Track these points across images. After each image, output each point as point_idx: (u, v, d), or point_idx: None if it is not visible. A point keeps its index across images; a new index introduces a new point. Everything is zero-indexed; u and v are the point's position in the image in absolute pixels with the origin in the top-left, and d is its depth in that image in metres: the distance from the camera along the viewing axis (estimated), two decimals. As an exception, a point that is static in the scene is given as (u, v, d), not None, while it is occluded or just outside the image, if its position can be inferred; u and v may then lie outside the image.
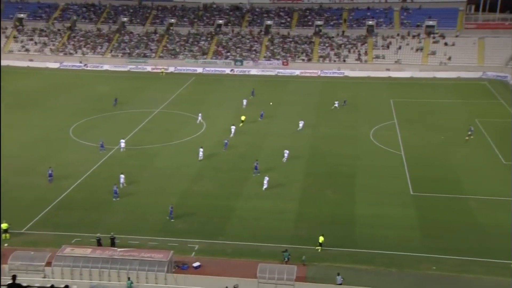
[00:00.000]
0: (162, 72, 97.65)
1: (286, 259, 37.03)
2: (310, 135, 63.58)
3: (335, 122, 68.31)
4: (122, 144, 58.41)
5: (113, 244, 39.13)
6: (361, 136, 63.20)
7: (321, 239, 38.73)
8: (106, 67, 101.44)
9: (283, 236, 40.93)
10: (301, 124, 64.91)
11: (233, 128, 62.74)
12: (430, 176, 51.61)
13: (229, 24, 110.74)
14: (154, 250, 37.62)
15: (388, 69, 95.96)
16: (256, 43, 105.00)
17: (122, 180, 49.25)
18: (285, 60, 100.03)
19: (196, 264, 37.15)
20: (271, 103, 75.55)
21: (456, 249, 38.72)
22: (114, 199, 46.72)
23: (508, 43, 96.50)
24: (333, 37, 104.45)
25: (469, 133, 61.68)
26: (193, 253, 38.99)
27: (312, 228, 41.94)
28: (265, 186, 48.46)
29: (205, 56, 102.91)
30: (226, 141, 59.28)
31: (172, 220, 43.02)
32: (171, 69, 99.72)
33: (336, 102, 74.00)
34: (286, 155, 55.13)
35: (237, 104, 76.15)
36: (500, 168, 53.27)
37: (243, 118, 66.64)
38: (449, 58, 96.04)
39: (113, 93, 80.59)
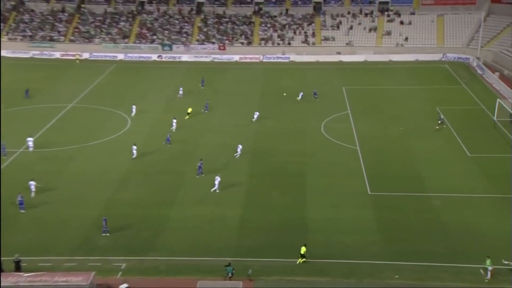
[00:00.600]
0: (77, 59, 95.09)
1: (229, 274, 36.97)
2: (254, 130, 63.91)
3: (281, 114, 68.96)
4: (30, 143, 56.92)
5: (18, 268, 37.57)
6: (311, 129, 64.16)
7: (303, 249, 38.98)
8: (2, 52, 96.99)
9: (225, 247, 40.88)
10: (256, 115, 66.25)
11: (174, 121, 63.12)
12: (390, 172, 53.16)
13: (154, 2, 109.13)
14: (71, 272, 36.48)
15: (339, 53, 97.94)
16: (186, 24, 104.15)
17: (33, 188, 47.73)
18: (221, 44, 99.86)
19: (123, 286, 36.34)
20: (284, 94, 75.43)
21: (420, 254, 40.04)
22: (20, 211, 45.13)
23: (469, 21, 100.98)
24: (275, 16, 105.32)
25: (439, 121, 64.08)
26: (120, 273, 38.19)
27: (259, 237, 42.25)
28: (215, 188, 48.80)
29: (126, 40, 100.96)
30: (168, 135, 59.63)
31: (107, 235, 42.18)
32: (86, 55, 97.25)
33: (300, 93, 74.44)
34: (239, 150, 55.93)
35: (169, 95, 75.96)
36: (465, 161, 55.63)
37: (189, 110, 67.28)
38: (406, 39, 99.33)
39: (12, 85, 77.60)
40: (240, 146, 56.36)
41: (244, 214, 45.62)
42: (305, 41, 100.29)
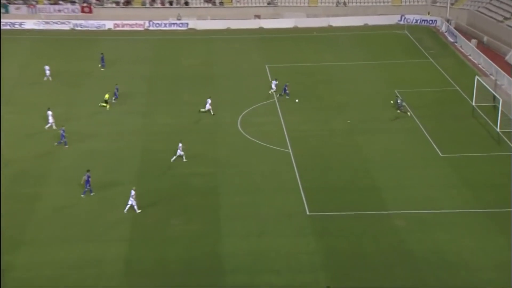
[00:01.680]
0: None
1: None
2: (140, 129, 63.90)
3: (178, 106, 68.86)
4: None
5: None
6: (223, 126, 64.78)
7: None
8: None
9: (104, 304, 40.52)
10: (208, 103, 67.08)
11: (49, 113, 63.40)
12: (335, 183, 54.32)
13: None
14: None
15: (258, 16, 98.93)
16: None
17: None
18: (85, 4, 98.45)
19: None
20: (296, 100, 72.17)
21: (381, 295, 41.30)
22: None
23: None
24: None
25: (399, 105, 66.37)
26: None
27: (152, 285, 41.79)
28: (130, 205, 49.27)
29: None
30: (61, 131, 59.84)
31: None
32: None
33: (273, 82, 74.09)
34: (179, 150, 57.04)
35: (14, 79, 75.33)
36: (436, 164, 57.68)
37: (106, 96, 68.99)
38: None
39: None
40: (181, 145, 57.01)
41: (131, 253, 45.12)
42: (210, 0, 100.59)
